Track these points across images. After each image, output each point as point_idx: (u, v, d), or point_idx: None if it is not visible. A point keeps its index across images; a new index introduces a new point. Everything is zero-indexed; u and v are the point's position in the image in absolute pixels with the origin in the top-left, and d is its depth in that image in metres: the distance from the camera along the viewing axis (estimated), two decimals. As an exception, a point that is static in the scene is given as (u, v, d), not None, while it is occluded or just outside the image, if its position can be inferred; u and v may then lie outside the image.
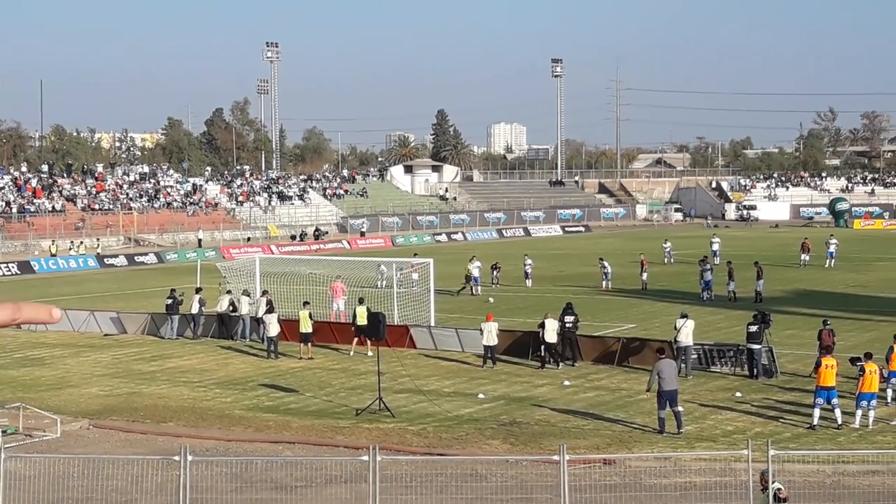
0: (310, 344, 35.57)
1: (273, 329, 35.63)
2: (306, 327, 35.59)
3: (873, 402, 24.59)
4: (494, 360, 33.05)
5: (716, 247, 66.27)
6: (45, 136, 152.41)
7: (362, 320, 33.82)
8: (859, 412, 24.47)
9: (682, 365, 30.25)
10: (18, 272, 73.19)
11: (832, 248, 65.17)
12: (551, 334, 32.76)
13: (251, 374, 33.13)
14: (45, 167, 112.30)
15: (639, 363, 32.40)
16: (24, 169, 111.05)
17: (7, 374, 33.89)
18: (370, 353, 33.96)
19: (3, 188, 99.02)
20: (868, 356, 25.18)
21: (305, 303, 37.58)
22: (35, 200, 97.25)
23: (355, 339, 35.69)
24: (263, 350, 36.35)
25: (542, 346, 32.99)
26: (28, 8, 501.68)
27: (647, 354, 32.66)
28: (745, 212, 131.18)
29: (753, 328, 30.63)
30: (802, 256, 64.45)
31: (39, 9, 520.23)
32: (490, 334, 33.07)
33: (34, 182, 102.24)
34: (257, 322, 38.20)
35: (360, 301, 36.60)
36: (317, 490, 20.06)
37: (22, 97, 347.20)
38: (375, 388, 27.60)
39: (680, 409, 24.41)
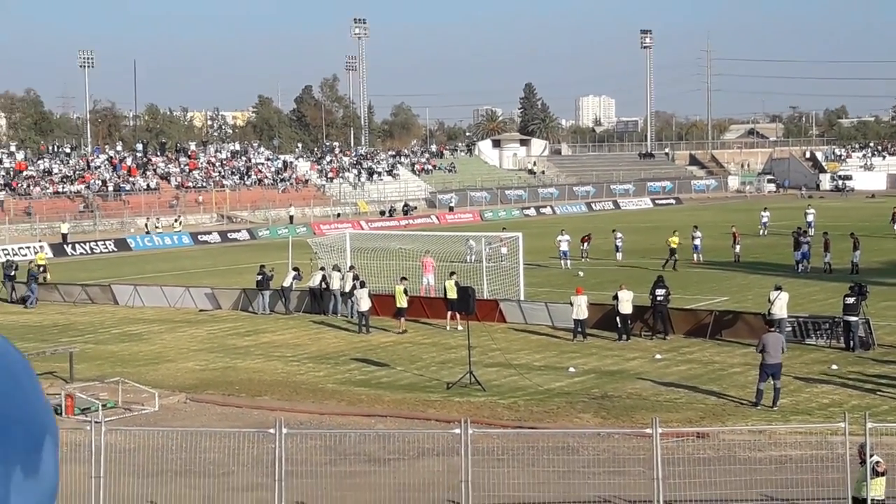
0: (403, 318, 35.77)
1: (364, 304, 35.85)
2: (402, 302, 35.81)
3: None
4: (585, 333, 32.96)
5: (811, 218, 65.18)
6: (140, 116, 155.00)
7: (452, 294, 33.93)
8: None
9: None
10: (115, 249, 74.72)
11: None
12: (626, 305, 32.73)
13: (343, 348, 33.44)
14: (139, 146, 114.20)
15: (732, 336, 32.08)
16: (119, 148, 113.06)
17: (106, 350, 34.63)
18: (460, 328, 34.07)
19: (99, 167, 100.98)
20: None
21: (403, 278, 37.86)
22: (130, 179, 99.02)
23: (448, 314, 35.78)
24: (355, 325, 36.65)
25: (618, 318, 32.93)
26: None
27: (740, 327, 32.36)
28: (840, 182, 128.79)
29: (850, 300, 30.09)
30: (895, 226, 63.05)
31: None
32: (580, 308, 32.96)
33: (129, 161, 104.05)
34: (348, 297, 38.52)
35: (451, 275, 36.68)
36: (409, 463, 20.21)
37: (117, 77, 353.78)
38: (466, 361, 27.68)
39: (779, 384, 24.05)
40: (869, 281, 37.03)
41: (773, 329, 25.53)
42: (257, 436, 19.47)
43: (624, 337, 32.65)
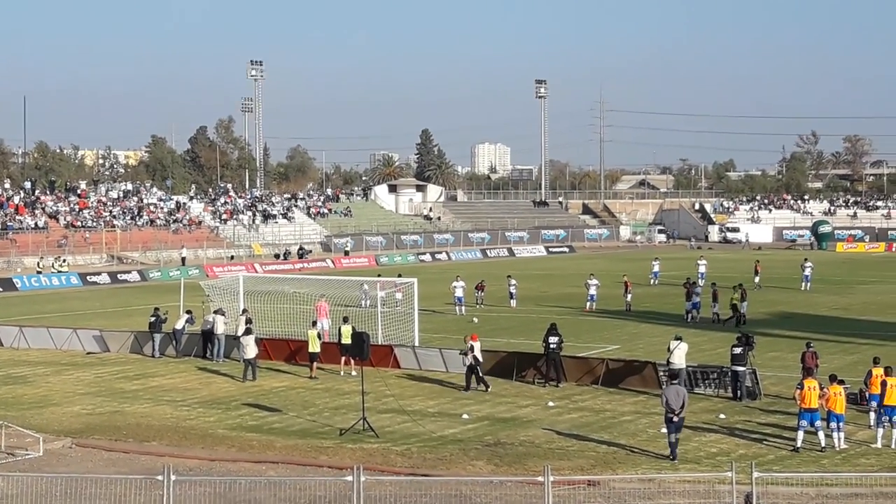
0: (315, 364, 35.41)
1: (251, 351, 35.11)
2: (315, 347, 35.48)
3: (841, 425, 24.73)
4: (479, 380, 33.02)
5: (702, 269, 66.41)
6: (28, 153, 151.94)
7: (347, 339, 33.77)
8: (800, 433, 24.65)
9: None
10: (1, 289, 72.86)
11: (808, 272, 65.31)
12: (479, 354, 32.81)
13: (234, 393, 33.02)
14: (27, 184, 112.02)
15: (623, 385, 32.48)
16: (6, 186, 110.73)
17: (-11, 392, 33.65)
18: (354, 373, 33.91)
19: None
20: (833, 379, 25.36)
21: (314, 322, 37.72)
22: (17, 217, 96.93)
23: (342, 359, 35.59)
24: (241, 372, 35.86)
25: (468, 370, 32.70)
26: (11, 24, 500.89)
27: (630, 376, 32.77)
28: (727, 234, 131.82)
29: (737, 350, 30.68)
30: (755, 279, 63.88)
31: (23, 25, 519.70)
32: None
33: (17, 199, 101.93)
34: (235, 341, 37.88)
35: (345, 320, 36.55)
36: (300, 510, 19.98)
37: (5, 113, 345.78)
38: (359, 407, 27.55)
39: (676, 437, 24.11)
40: (756, 331, 37.86)
41: (674, 381, 25.83)
42: (145, 482, 19.09)
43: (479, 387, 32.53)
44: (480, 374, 32.74)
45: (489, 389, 32.32)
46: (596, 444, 25.49)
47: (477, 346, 33.12)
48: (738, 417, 28.22)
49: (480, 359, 32.84)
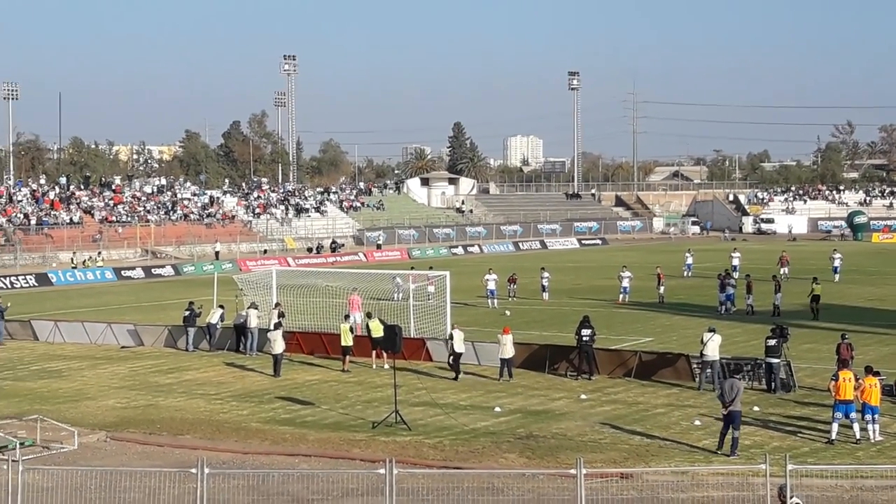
0: (348, 357, 35.56)
1: (278, 346, 35.18)
2: (347, 340, 35.64)
3: (877, 417, 24.55)
4: (511, 373, 33.04)
5: (736, 261, 65.92)
6: (64, 149, 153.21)
7: (377, 333, 33.81)
8: (835, 425, 24.51)
9: (707, 379, 30.54)
10: (36, 284, 73.52)
11: (836, 263, 64.59)
12: (460, 344, 33.86)
13: (267, 386, 33.14)
14: (63, 179, 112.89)
15: (656, 377, 32.38)
16: (42, 181, 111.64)
17: (25, 386, 33.97)
18: (387, 366, 33.96)
19: (21, 200, 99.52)
20: (869, 370, 25.19)
21: (346, 316, 37.91)
22: (53, 212, 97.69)
23: (374, 352, 35.64)
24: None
25: (451, 357, 33.97)
26: (47, 21, 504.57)
27: (663, 368, 32.67)
28: (762, 225, 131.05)
29: (772, 342, 30.48)
30: (782, 270, 62.30)
31: (58, 22, 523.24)
32: (506, 347, 33.10)
33: (52, 194, 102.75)
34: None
35: (369, 315, 36.77)
36: (333, 503, 20.05)
37: (41, 110, 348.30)
38: (392, 400, 27.59)
39: (737, 433, 23.83)
40: (790, 323, 37.60)
41: (735, 376, 25.62)
42: (179, 475, 19.18)
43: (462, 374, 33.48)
44: (457, 365, 33.71)
45: (458, 378, 33.18)
46: (629, 437, 25.41)
47: (459, 335, 34.00)
48: (772, 409, 28.05)
49: (459, 350, 33.81)
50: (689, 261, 69.66)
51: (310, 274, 60.39)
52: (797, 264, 65.66)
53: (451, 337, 34.21)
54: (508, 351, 33.13)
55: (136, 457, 24.72)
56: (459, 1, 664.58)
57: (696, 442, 24.61)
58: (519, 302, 54.90)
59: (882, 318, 46.33)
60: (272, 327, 36.46)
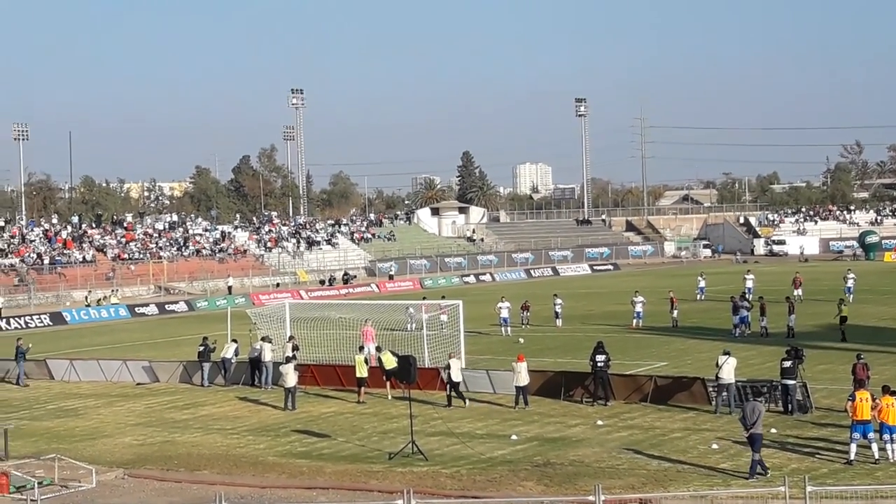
0: (363, 389, 35.61)
1: (290, 379, 35.02)
2: (362, 372, 35.68)
3: (895, 436, 24.43)
4: (526, 400, 33.01)
5: (749, 283, 65.75)
6: (75, 188, 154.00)
7: (389, 366, 33.77)
8: (853, 445, 24.37)
9: (723, 402, 30.53)
10: (51, 323, 73.74)
11: (850, 283, 64.35)
12: (457, 373, 34.00)
13: (283, 420, 33.16)
14: (74, 218, 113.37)
15: (672, 401, 32.31)
16: (54, 221, 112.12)
17: (41, 426, 34.04)
18: (390, 397, 34.05)
19: (33, 240, 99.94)
20: (886, 390, 25.08)
21: (361, 347, 38.01)
22: (65, 251, 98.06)
23: (388, 384, 35.62)
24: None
25: (449, 386, 34.05)
26: (56, 61, 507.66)
27: (679, 392, 32.60)
28: (773, 246, 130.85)
29: (787, 363, 30.40)
30: (796, 292, 61.99)
31: (67, 61, 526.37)
32: (521, 375, 33.08)
33: (64, 233, 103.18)
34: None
35: (379, 349, 36.78)
36: (352, 535, 20.04)
37: (51, 150, 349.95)
38: (408, 431, 27.58)
39: (756, 456, 23.83)
40: (805, 344, 37.52)
41: (757, 399, 25.56)
42: (197, 511, 19.21)
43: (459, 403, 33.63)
44: (458, 392, 34.01)
45: (466, 405, 33.48)
46: (646, 462, 25.35)
47: (455, 364, 34.23)
48: (789, 431, 27.96)
49: (456, 379, 33.96)
50: (702, 284, 69.62)
51: (323, 306, 60.49)
52: (810, 285, 65.53)
53: (449, 366, 34.24)
54: (523, 378, 33.09)
55: (154, 493, 24.75)
56: (465, 30, 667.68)
57: (715, 465, 24.54)
58: (532, 329, 54.88)
59: (897, 336, 46.15)
60: (284, 360, 36.53)
